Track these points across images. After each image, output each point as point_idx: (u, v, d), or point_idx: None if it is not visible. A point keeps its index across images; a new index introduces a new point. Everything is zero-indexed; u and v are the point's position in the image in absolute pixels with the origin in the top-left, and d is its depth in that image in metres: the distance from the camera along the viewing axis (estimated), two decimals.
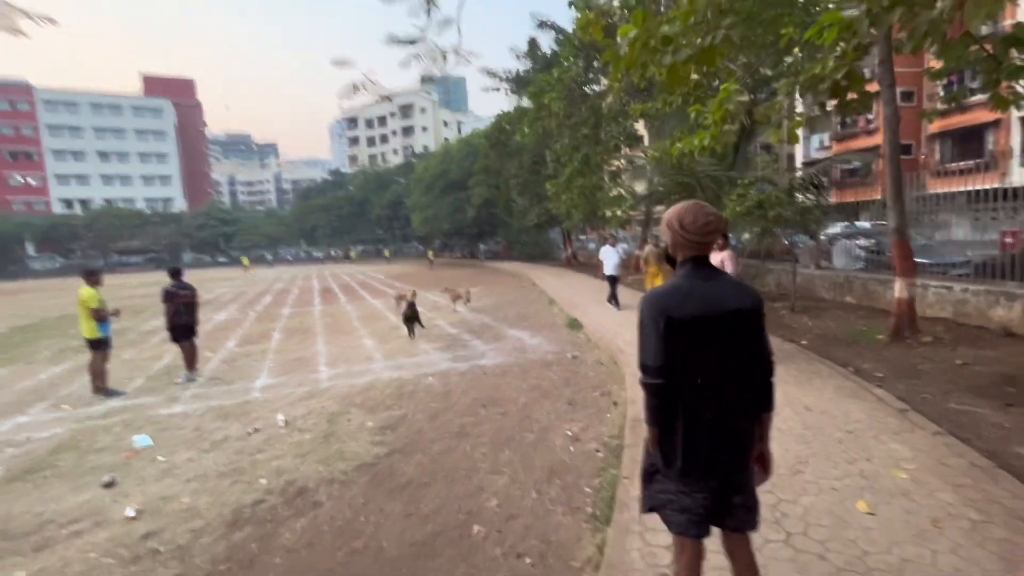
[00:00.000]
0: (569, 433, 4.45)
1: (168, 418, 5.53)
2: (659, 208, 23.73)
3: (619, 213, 20.06)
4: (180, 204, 72.21)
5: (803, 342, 6.85)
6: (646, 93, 12.50)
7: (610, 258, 10.95)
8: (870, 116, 28.97)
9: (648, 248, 9.08)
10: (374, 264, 43.68)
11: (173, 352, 9.28)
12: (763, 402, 1.76)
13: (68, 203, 65.68)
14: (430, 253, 37.15)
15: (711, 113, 5.65)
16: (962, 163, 22.80)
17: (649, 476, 1.85)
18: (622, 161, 17.65)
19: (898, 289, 6.54)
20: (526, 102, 17.13)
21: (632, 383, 5.39)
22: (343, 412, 5.40)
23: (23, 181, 64.81)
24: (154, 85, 77.80)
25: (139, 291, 25.08)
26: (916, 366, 5.48)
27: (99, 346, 6.44)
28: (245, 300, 18.55)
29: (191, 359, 7.10)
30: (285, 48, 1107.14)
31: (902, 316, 6.44)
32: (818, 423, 4.11)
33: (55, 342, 11.06)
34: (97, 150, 68.76)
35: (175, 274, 7.19)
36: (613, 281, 10.92)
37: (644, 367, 1.71)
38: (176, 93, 77.65)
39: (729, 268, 5.95)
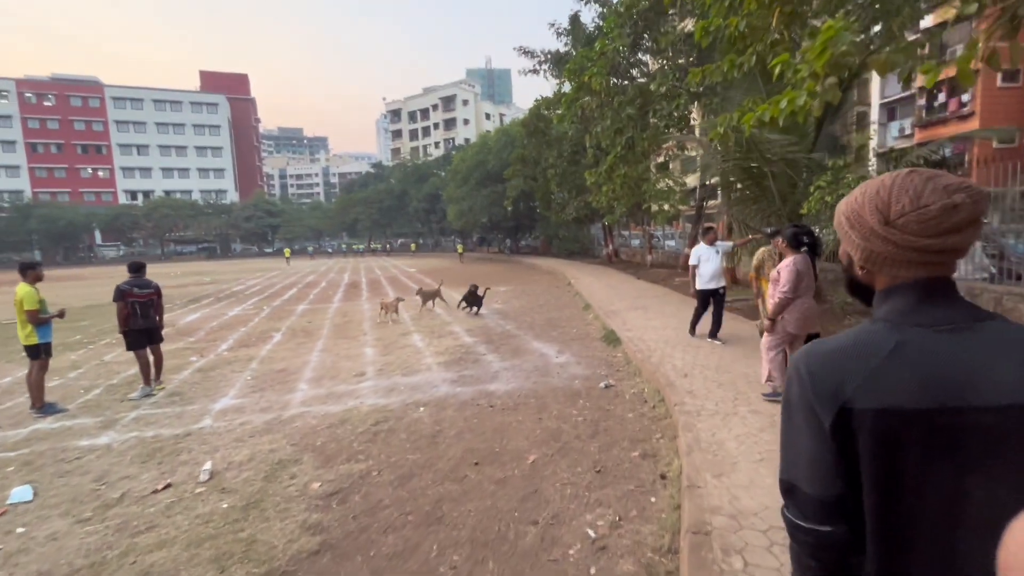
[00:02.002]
0: (592, 534, 2.90)
1: (83, 453, 4.37)
2: (714, 203, 21.54)
3: (666, 208, 18.10)
4: (233, 196, 74.70)
5: None
6: (702, 62, 10.59)
7: (709, 263, 6.97)
8: (964, 98, 25.37)
9: (763, 251, 5.44)
10: (404, 258, 43.06)
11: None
12: None
13: (132, 194, 69.19)
14: (460, 247, 36.06)
15: (809, 62, 3.96)
16: None
17: None
18: (673, 146, 15.64)
19: None
20: (568, 87, 15.43)
21: (691, 438, 3.77)
22: (292, 461, 4.06)
23: (92, 173, 68.75)
24: (210, 80, 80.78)
25: (174, 281, 25.26)
26: None
27: (36, 354, 5.42)
28: (269, 293, 17.90)
29: (147, 370, 6.01)
30: (340, 44, 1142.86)
31: None
32: None
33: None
34: (158, 144, 72.04)
35: (135, 269, 6.10)
36: (713, 300, 7.03)
37: (790, 489, 0.83)
38: (230, 88, 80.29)
39: (784, 280, 4.28)
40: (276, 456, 4.16)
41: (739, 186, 9.94)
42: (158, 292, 6.15)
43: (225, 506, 3.37)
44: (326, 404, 5.47)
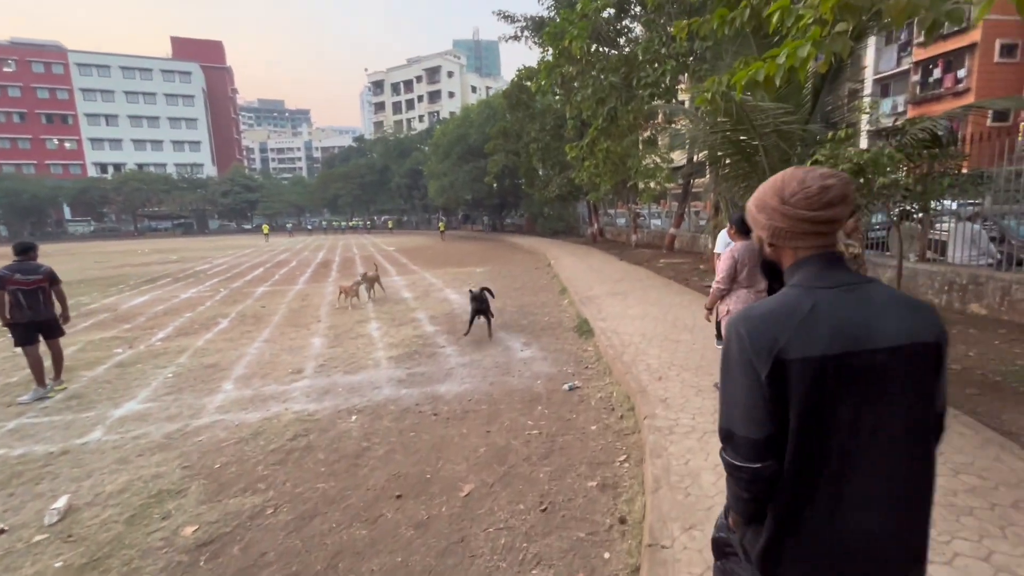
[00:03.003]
0: None
1: None
2: (701, 181, 20.77)
3: (652, 185, 17.30)
4: (210, 170, 71.99)
5: None
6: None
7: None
8: (960, 73, 24.67)
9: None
10: (385, 236, 41.79)
11: (82, 343, 7.54)
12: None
13: (103, 167, 66.32)
14: (441, 225, 34.92)
15: (814, 6, 3.21)
16: None
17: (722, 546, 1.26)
18: (660, 121, 14.75)
19: None
20: (551, 56, 14.36)
21: (660, 467, 3.08)
22: (175, 492, 3.31)
23: (59, 144, 65.64)
24: (182, 48, 76.89)
25: (139, 259, 24.00)
26: None
27: None
28: (233, 273, 16.89)
29: (39, 369, 5.17)
30: (322, 13, 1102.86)
31: None
32: None
33: None
34: (128, 114, 68.80)
35: (21, 251, 5.19)
36: None
37: (728, 435, 1.03)
38: (204, 56, 76.52)
39: (719, 268, 3.93)
40: (157, 485, 3.40)
41: (727, 161, 9.15)
42: (50, 278, 5.25)
43: (59, 565, 2.61)
44: (246, 410, 4.70)
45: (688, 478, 2.90)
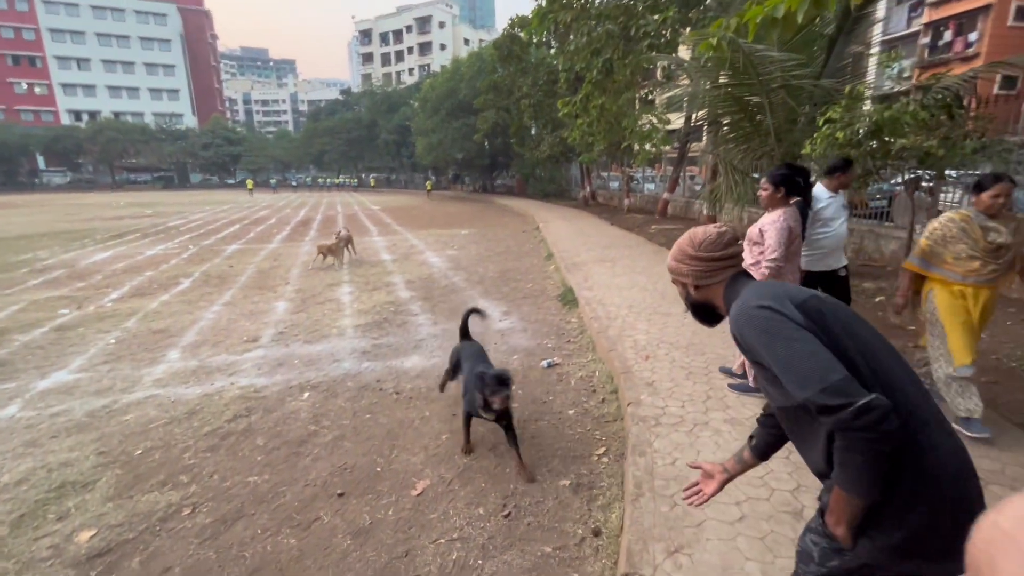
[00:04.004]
0: None
1: None
2: (698, 145, 19.94)
3: (648, 148, 16.53)
4: (190, 121, 68.98)
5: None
6: None
7: (832, 223, 3.62)
8: (972, 36, 23.67)
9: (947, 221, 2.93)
10: (371, 194, 40.53)
11: (24, 302, 6.89)
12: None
13: (77, 115, 63.22)
14: (428, 184, 33.65)
15: None
16: None
17: None
18: (659, 72, 13.87)
19: None
20: (545, 1, 13.23)
21: (643, 467, 2.66)
22: (81, 485, 2.85)
23: (28, 89, 62.21)
24: None
25: (113, 212, 22.91)
26: None
27: None
28: (207, 230, 16.09)
29: None
30: None
31: None
32: None
33: None
34: (102, 58, 65.08)
35: None
36: (830, 288, 3.72)
37: (825, 390, 0.95)
38: None
39: (773, 241, 3.09)
40: (63, 475, 2.94)
41: (728, 121, 8.50)
42: None
43: None
44: (186, 384, 4.21)
45: (675, 483, 2.48)
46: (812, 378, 0.97)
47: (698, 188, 17.44)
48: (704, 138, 13.64)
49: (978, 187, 2.87)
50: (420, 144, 32.59)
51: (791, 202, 3.19)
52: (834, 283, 3.78)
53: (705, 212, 12.06)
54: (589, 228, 14.01)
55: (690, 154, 19.59)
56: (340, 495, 2.73)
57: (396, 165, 50.92)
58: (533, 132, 22.67)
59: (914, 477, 0.98)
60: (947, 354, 2.92)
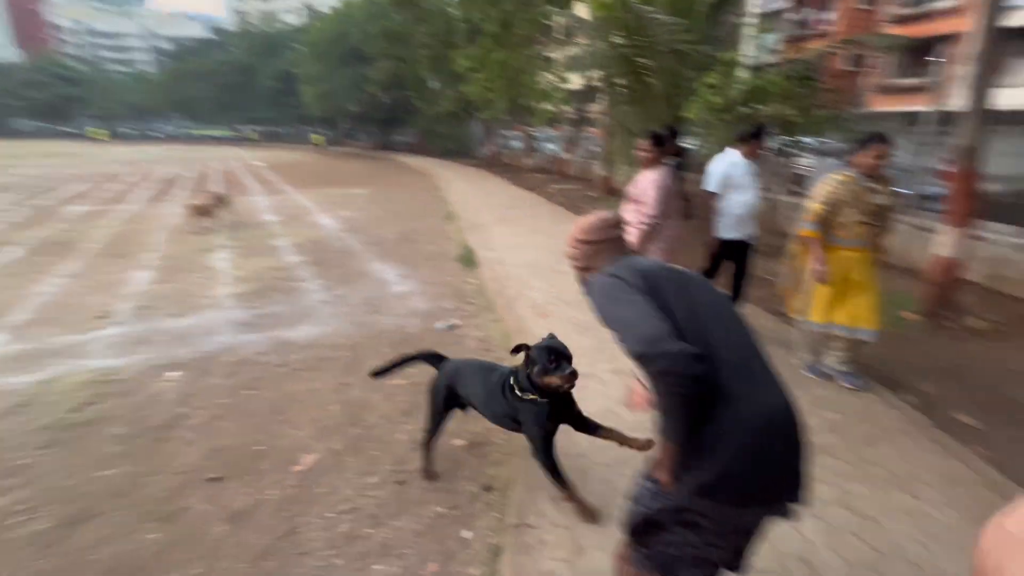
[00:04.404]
0: None
1: None
2: (595, 108, 20.42)
3: (547, 107, 16.60)
4: (10, 54, 56.43)
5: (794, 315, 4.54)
6: None
7: (745, 190, 3.62)
8: (828, 16, 26.41)
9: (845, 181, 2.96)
10: (255, 149, 36.67)
11: None
12: None
13: None
14: (315, 138, 30.60)
15: None
16: (909, 80, 21.27)
17: (651, 526, 1.24)
18: (557, 33, 13.81)
19: (946, 243, 4.27)
20: None
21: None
22: None
23: None
24: None
25: None
26: (1000, 389, 3.32)
27: None
28: (44, 188, 13.51)
29: None
30: None
31: (945, 286, 4.25)
32: None
33: None
34: None
35: None
36: (737, 258, 3.82)
37: (642, 340, 1.06)
38: None
39: (651, 195, 3.20)
40: None
41: (621, 83, 8.75)
42: None
43: None
44: (23, 369, 3.57)
45: (562, 433, 2.60)
46: (633, 331, 1.08)
47: (596, 149, 17.99)
48: (600, 100, 13.95)
49: (860, 147, 2.92)
50: (308, 93, 29.75)
51: (668, 163, 3.36)
52: (742, 252, 3.79)
53: (602, 173, 12.49)
54: (491, 188, 13.93)
55: (589, 114, 20.07)
56: (214, 479, 2.50)
57: (281, 116, 46.15)
58: (431, 85, 21.67)
59: (721, 426, 1.07)
60: (818, 311, 3.10)
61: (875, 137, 2.88)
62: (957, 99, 4.37)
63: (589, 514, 2.08)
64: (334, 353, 3.94)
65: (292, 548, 2.10)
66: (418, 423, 2.95)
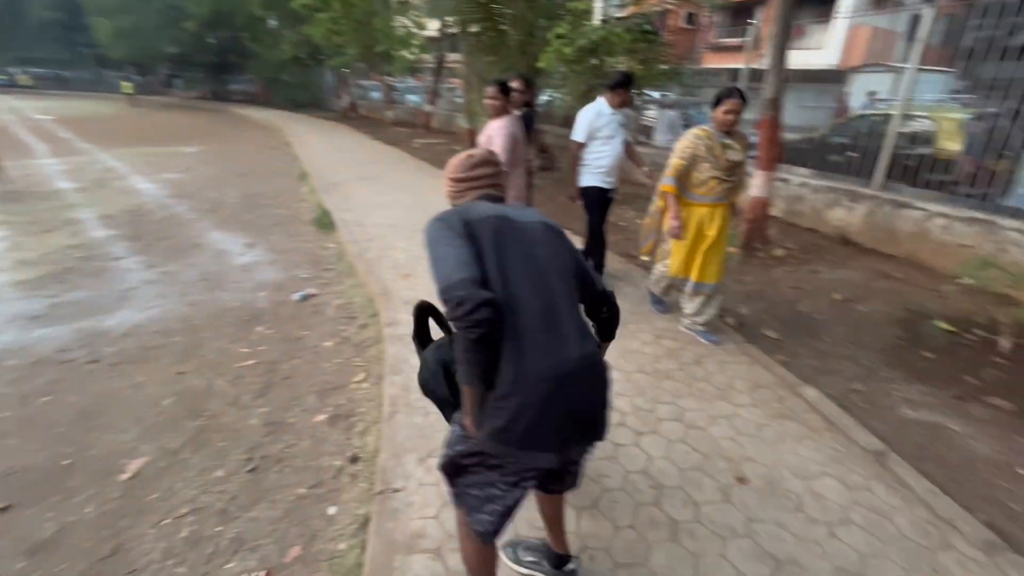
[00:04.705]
0: None
1: None
2: (454, 57, 19.67)
3: (405, 55, 15.61)
4: None
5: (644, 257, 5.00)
6: None
7: (611, 140, 3.62)
8: None
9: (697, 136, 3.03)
10: (33, 99, 29.28)
11: None
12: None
13: None
14: (125, 86, 25.24)
15: None
16: (734, 39, 23.93)
17: (458, 468, 1.29)
18: None
19: (758, 185, 4.96)
20: None
21: (400, 385, 2.68)
22: None
23: None
24: None
25: None
26: (795, 305, 4.02)
27: None
28: None
29: None
30: None
31: (757, 222, 4.98)
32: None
33: None
34: None
35: None
36: (598, 207, 3.81)
37: (448, 285, 1.09)
38: None
39: (497, 143, 3.20)
40: None
41: (476, 30, 8.50)
42: None
43: None
44: None
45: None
46: (438, 273, 1.13)
47: (458, 101, 17.54)
48: (459, 48, 13.47)
49: (715, 103, 2.93)
50: (102, 28, 24.19)
51: (516, 112, 3.34)
52: (605, 202, 3.79)
53: (466, 126, 12.25)
54: (349, 144, 12.92)
55: (449, 64, 19.34)
56: (2, 510, 2.04)
57: (71, 58, 37.20)
58: (269, 26, 19.01)
59: (511, 374, 1.11)
60: (675, 263, 3.24)
61: (729, 92, 2.85)
62: (766, 58, 4.95)
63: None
64: (164, 340, 3.40)
65: (119, 568, 1.81)
66: (275, 403, 2.72)
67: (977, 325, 3.51)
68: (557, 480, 1.42)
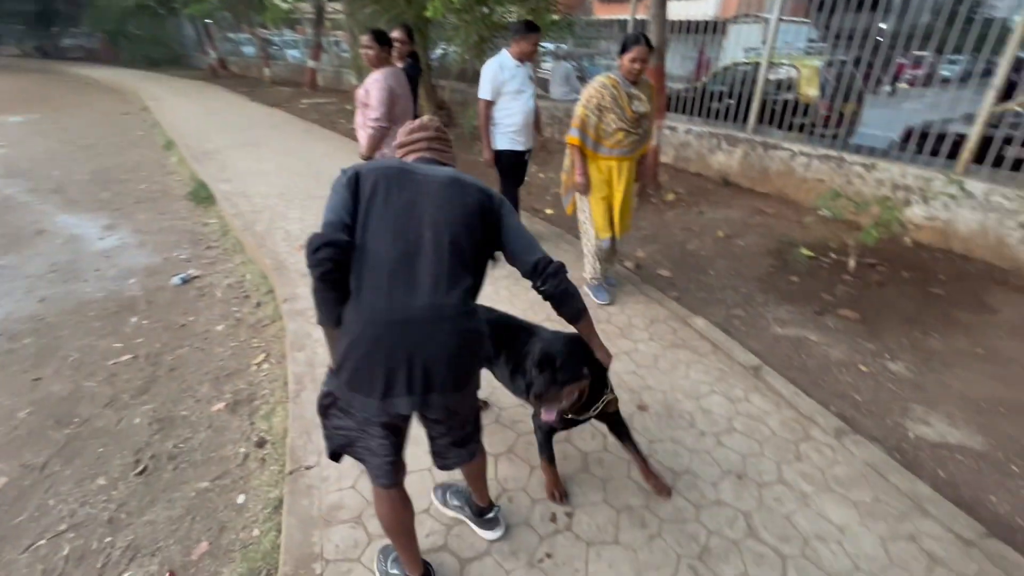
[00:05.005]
0: None
1: None
2: (336, 7, 17.99)
3: (279, 3, 13.98)
4: None
5: (548, 211, 5.09)
6: None
7: (520, 96, 3.42)
8: None
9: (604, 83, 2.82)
10: None
11: None
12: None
13: None
14: None
15: None
16: None
17: (323, 407, 1.31)
18: None
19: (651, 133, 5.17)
20: None
21: (304, 361, 2.55)
22: None
23: None
24: None
25: None
26: (685, 245, 4.33)
27: None
28: None
29: None
30: None
31: (650, 168, 5.23)
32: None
33: None
34: None
35: None
36: (511, 172, 3.69)
37: (319, 232, 1.17)
38: None
39: (374, 96, 2.99)
40: None
41: None
42: None
43: None
44: None
45: None
46: (324, 221, 1.19)
47: (345, 56, 16.23)
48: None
49: (620, 50, 2.74)
50: None
51: (399, 64, 3.16)
52: (520, 165, 3.59)
53: (354, 83, 11.40)
54: (222, 106, 11.55)
55: (331, 15, 17.66)
56: None
57: None
58: None
59: (351, 316, 1.16)
60: (593, 227, 3.07)
61: (636, 39, 2.64)
62: (650, 9, 5.04)
63: (560, 494, 1.85)
64: (11, 344, 2.92)
65: None
66: (161, 398, 2.48)
67: (831, 249, 4.04)
68: (437, 452, 1.44)
